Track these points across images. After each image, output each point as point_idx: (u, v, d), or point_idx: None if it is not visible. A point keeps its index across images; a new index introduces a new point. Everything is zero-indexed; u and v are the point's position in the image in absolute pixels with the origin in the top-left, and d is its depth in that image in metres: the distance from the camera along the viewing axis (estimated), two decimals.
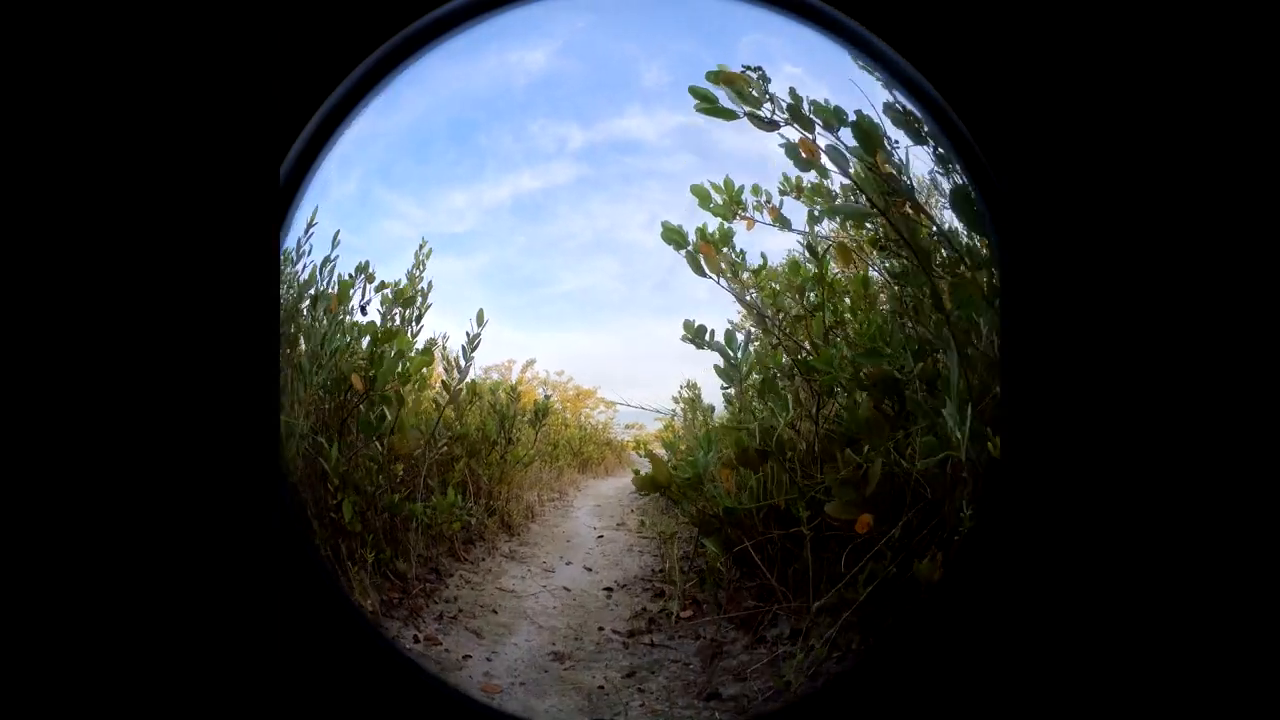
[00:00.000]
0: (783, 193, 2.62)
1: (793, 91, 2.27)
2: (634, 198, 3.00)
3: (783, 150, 2.50)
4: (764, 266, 2.78)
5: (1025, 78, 1.22)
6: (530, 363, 3.97)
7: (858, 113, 2.13)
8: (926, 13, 1.27)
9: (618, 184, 2.99)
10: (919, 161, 2.04)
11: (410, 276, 3.07)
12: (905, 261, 2.19)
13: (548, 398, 3.72)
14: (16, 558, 1.13)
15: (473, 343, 3.26)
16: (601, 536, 3.52)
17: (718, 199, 2.70)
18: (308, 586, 1.27)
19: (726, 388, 3.03)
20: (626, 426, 4.40)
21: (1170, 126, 1.20)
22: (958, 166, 1.35)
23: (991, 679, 1.26)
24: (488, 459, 3.47)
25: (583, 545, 3.42)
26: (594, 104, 2.89)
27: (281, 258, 1.29)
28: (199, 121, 1.14)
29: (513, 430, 3.59)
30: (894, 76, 1.32)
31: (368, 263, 2.89)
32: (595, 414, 4.55)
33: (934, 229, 2.05)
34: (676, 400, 3.78)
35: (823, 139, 2.23)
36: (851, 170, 2.22)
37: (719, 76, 2.24)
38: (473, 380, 3.42)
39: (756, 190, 2.64)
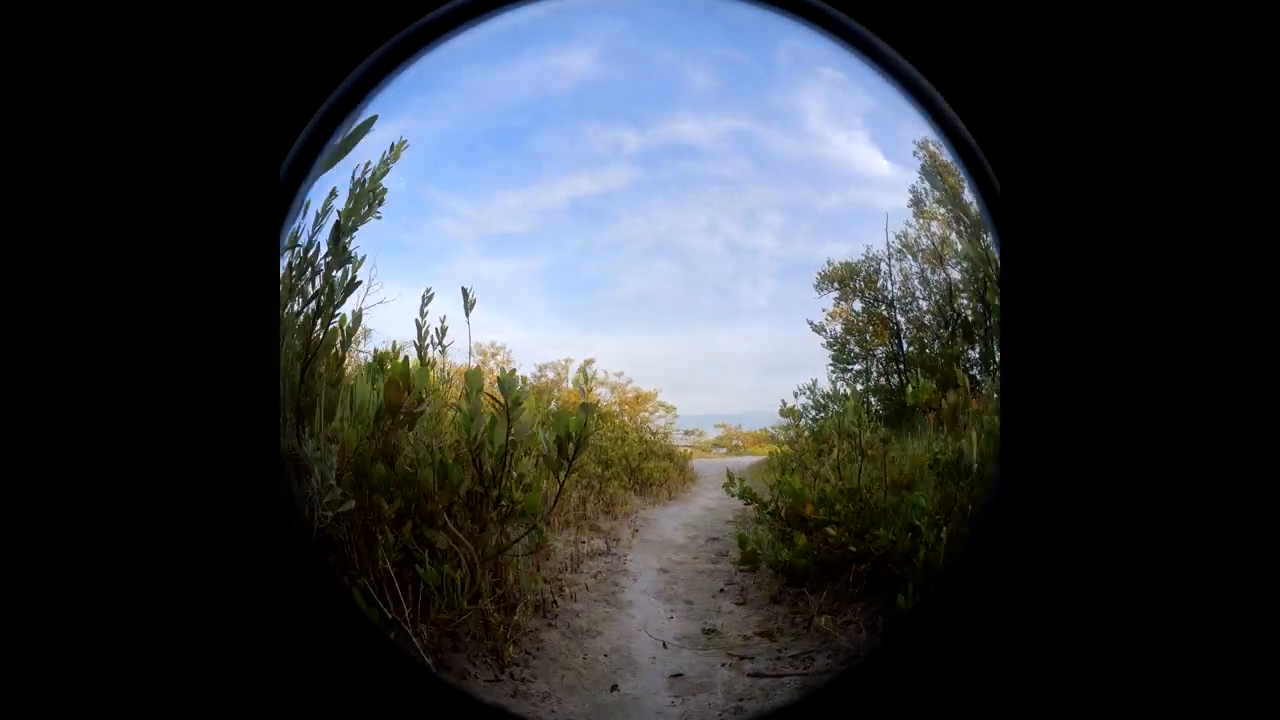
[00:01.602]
0: None
1: None
2: (692, 202, 3.08)
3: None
4: None
5: (1026, 79, 1.27)
6: (588, 362, 3.70)
7: None
8: (928, 14, 1.34)
9: (675, 188, 3.08)
10: None
11: (357, 185, 2.06)
12: None
13: (587, 411, 2.24)
14: (17, 556, 1.18)
15: (339, 241, 1.93)
16: (680, 676, 1.88)
17: None
18: (306, 584, 1.31)
19: None
20: (686, 433, 4.22)
21: (1169, 128, 1.25)
22: (958, 167, 1.42)
23: (992, 681, 1.27)
24: (462, 521, 2.00)
25: (642, 700, 1.77)
26: (644, 109, 3.04)
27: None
28: (200, 121, 1.23)
29: (508, 471, 2.06)
30: (895, 77, 1.39)
31: None
32: (655, 418, 4.13)
33: None
34: (785, 412, 3.35)
35: None
36: None
37: None
38: (419, 360, 2.21)
39: None
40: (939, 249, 2.95)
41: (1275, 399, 1.21)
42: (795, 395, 3.36)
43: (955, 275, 3.02)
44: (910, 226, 2.94)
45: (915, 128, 2.59)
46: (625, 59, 2.83)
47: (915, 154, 2.56)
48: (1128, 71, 1.24)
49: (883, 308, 3.24)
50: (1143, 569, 1.22)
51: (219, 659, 1.17)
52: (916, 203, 2.80)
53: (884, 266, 3.12)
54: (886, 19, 1.33)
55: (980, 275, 2.84)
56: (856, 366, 3.35)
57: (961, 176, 2.15)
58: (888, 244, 3.03)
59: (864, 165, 2.89)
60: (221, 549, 1.18)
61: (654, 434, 4.09)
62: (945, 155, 2.30)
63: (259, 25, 1.23)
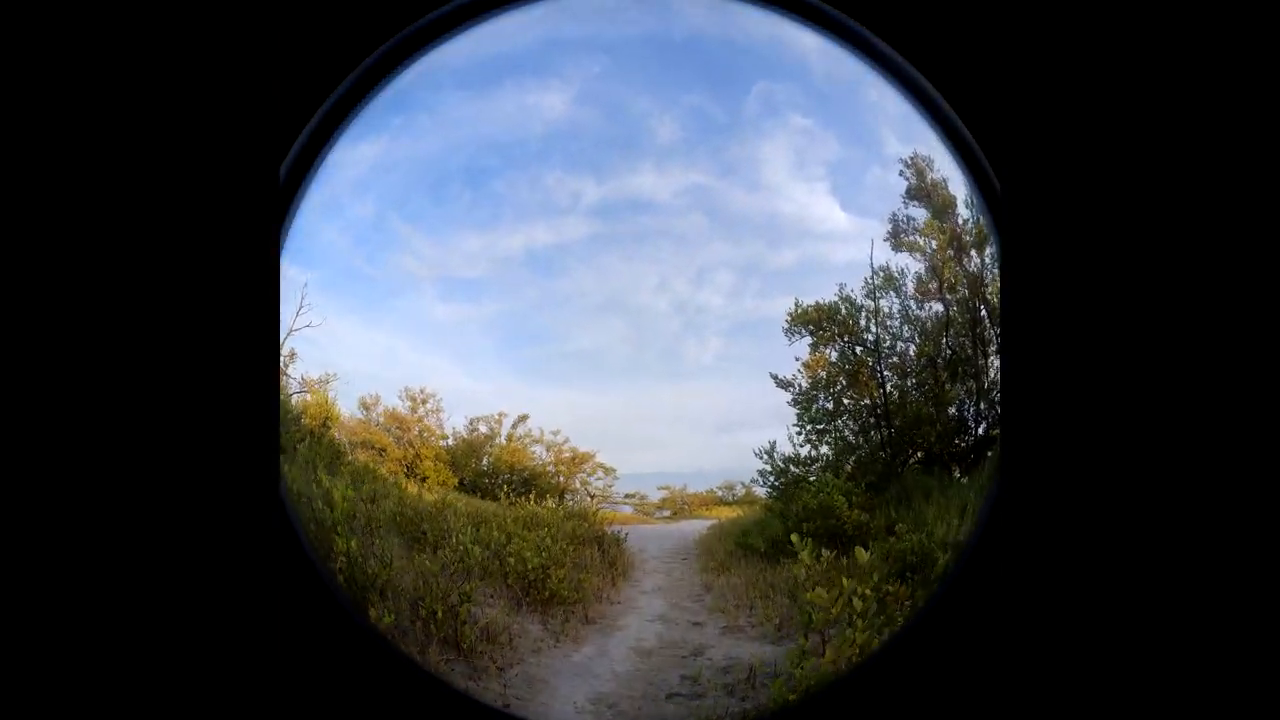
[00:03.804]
0: None
1: None
2: (646, 258, 3.16)
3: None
4: None
5: (1026, 80, 1.33)
6: (522, 418, 3.67)
7: None
8: (927, 14, 1.40)
9: (630, 243, 3.18)
10: None
11: None
12: None
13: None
14: (22, 555, 1.17)
15: None
16: None
17: None
18: (306, 583, 1.31)
19: None
20: (627, 495, 4.01)
21: (1169, 130, 1.30)
22: (958, 167, 1.47)
23: (989, 681, 1.30)
24: None
25: None
26: (609, 158, 3.15)
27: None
28: (200, 122, 1.24)
29: None
30: (895, 77, 1.44)
31: None
32: (593, 480, 3.85)
33: None
34: (764, 468, 3.21)
35: None
36: None
37: None
38: None
39: None
40: (927, 279, 2.98)
41: (1271, 404, 1.25)
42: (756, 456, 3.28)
43: (939, 309, 3.06)
44: (894, 256, 2.97)
45: (883, 171, 2.72)
46: (598, 103, 2.97)
47: (902, 173, 2.66)
48: (1128, 72, 1.30)
49: (859, 350, 3.20)
50: (1138, 570, 1.24)
51: (220, 656, 1.18)
52: (895, 234, 2.85)
53: (865, 302, 3.10)
54: (886, 19, 1.39)
55: (973, 305, 2.89)
56: (821, 426, 3.20)
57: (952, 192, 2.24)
58: (870, 276, 3.07)
59: (821, 219, 3.01)
60: (222, 548, 1.18)
61: (592, 497, 3.74)
62: (932, 172, 2.39)
63: (259, 26, 1.25)
